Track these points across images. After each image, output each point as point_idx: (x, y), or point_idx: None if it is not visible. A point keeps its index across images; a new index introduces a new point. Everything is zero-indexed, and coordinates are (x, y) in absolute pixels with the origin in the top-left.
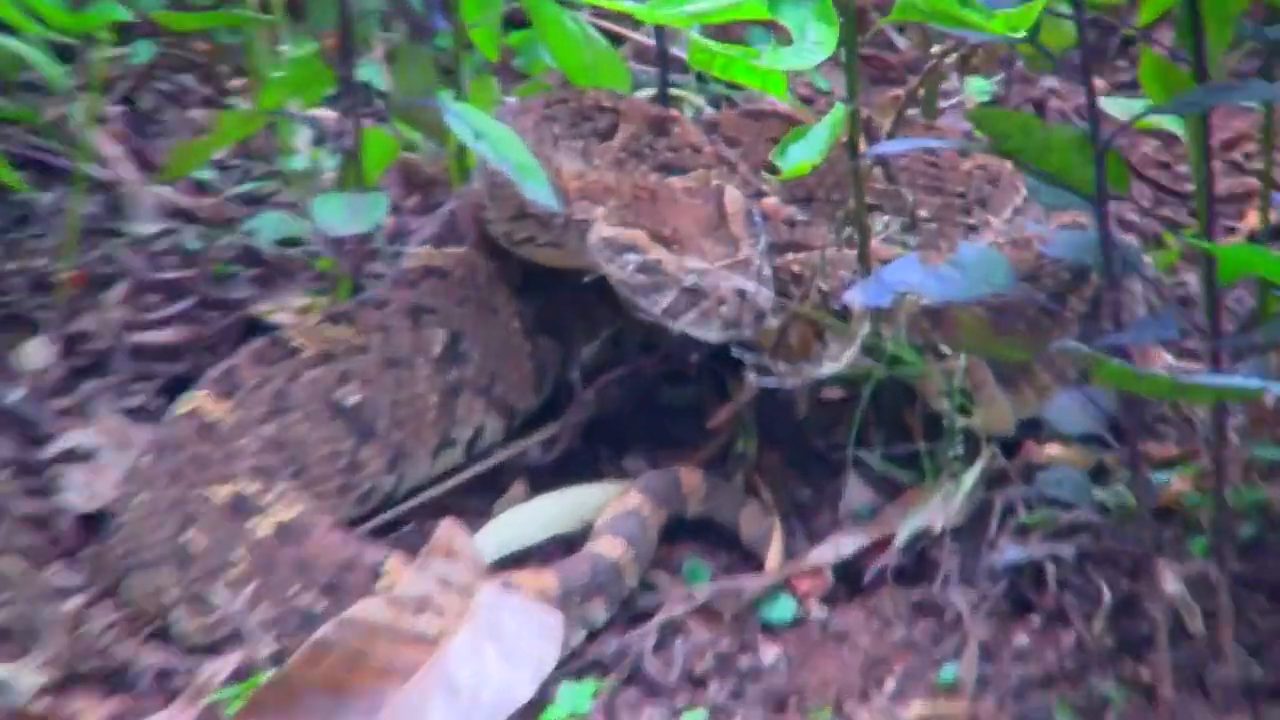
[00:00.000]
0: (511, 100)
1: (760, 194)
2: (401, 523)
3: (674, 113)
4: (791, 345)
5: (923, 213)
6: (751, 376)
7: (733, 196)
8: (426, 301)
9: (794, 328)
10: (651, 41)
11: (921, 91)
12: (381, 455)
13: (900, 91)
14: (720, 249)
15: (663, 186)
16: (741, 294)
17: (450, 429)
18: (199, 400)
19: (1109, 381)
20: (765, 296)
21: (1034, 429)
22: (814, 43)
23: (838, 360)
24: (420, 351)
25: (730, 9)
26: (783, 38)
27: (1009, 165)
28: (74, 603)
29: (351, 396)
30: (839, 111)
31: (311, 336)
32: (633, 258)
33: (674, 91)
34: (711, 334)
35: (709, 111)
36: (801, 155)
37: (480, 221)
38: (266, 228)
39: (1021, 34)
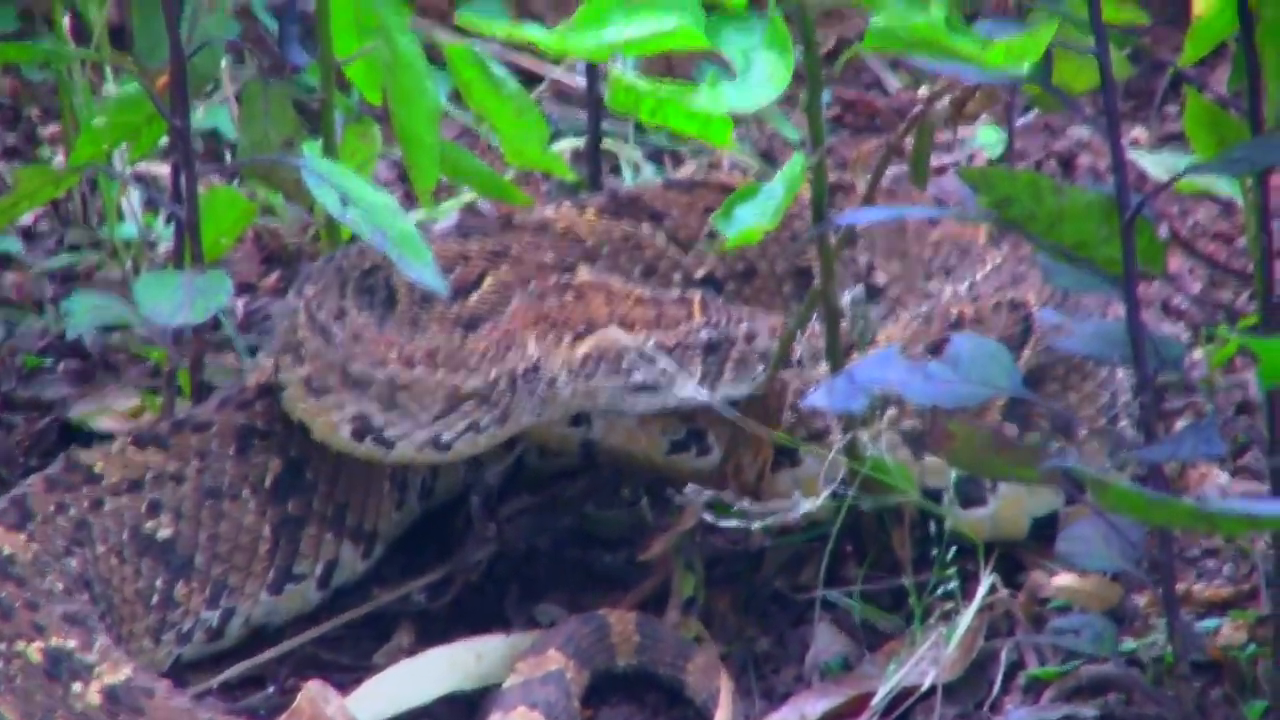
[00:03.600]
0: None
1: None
2: (255, 680)
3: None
4: (744, 468)
5: (880, 278)
6: (706, 515)
7: (589, 276)
8: (259, 424)
9: (746, 447)
10: (576, 79)
11: (909, 143)
12: (200, 591)
13: (881, 142)
14: (678, 309)
15: (532, 302)
16: (751, 320)
17: (292, 562)
18: None
19: (1117, 508)
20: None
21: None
22: (763, 78)
23: (815, 496)
24: (247, 481)
25: (660, 38)
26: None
27: (981, 236)
28: None
29: (163, 530)
30: (797, 164)
31: (114, 461)
32: (634, 357)
33: (606, 144)
34: (755, 381)
35: (647, 170)
36: (751, 219)
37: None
38: (82, 312)
39: (1025, 70)
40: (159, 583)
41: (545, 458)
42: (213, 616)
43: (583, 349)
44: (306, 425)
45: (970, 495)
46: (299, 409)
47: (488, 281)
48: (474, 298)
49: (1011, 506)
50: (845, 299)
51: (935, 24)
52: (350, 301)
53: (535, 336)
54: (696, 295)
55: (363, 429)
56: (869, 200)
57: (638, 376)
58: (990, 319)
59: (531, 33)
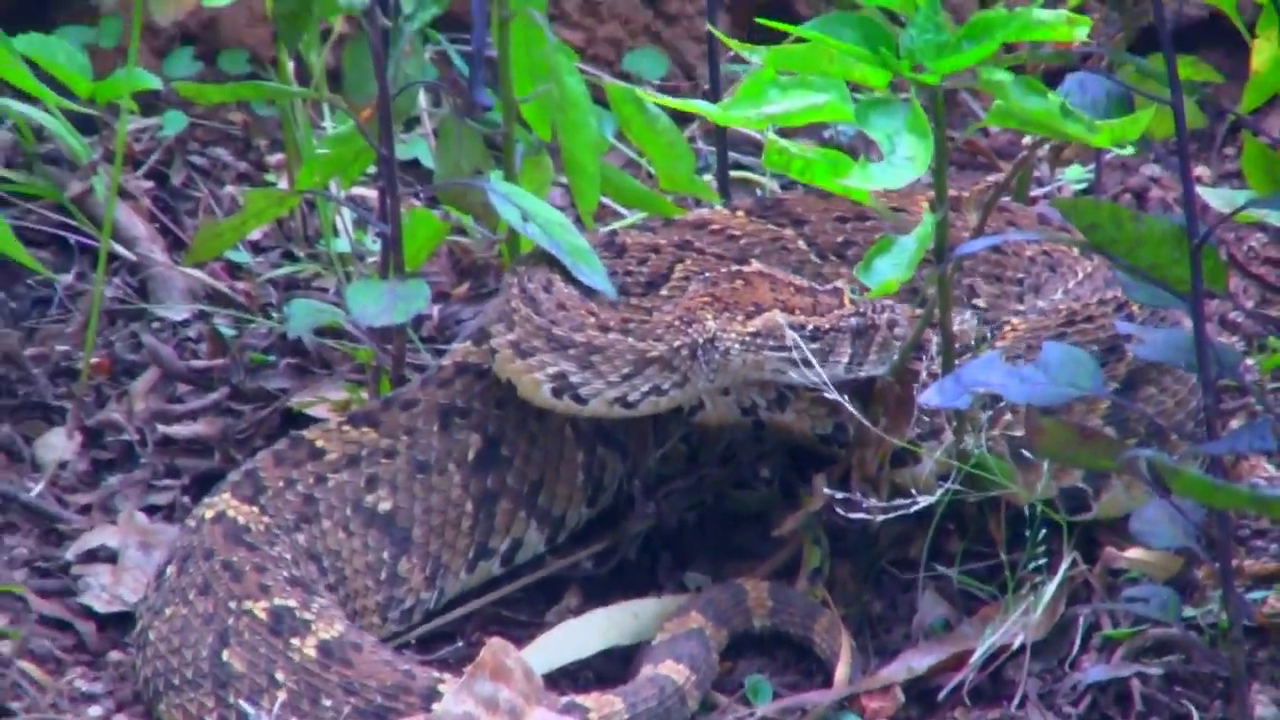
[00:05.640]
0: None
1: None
2: (446, 636)
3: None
4: (867, 462)
5: (979, 301)
6: (837, 510)
7: (758, 268)
8: (459, 402)
9: (869, 444)
10: None
11: (1013, 183)
12: (421, 568)
13: (989, 180)
14: (831, 298)
15: (708, 286)
16: (891, 310)
17: (487, 538)
18: (224, 503)
19: (1186, 492)
20: (901, 315)
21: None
22: (905, 158)
23: (930, 493)
24: (451, 456)
25: (811, 111)
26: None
27: (1074, 250)
28: (95, 711)
29: (383, 503)
30: (928, 223)
31: (333, 438)
32: (794, 335)
33: (741, 174)
34: (893, 363)
35: (777, 191)
36: (889, 271)
37: (566, 411)
38: (301, 314)
39: (1129, 148)
40: (385, 556)
41: (708, 442)
42: (430, 598)
43: (752, 326)
44: (513, 383)
45: (1075, 502)
46: (507, 369)
47: (677, 271)
48: (664, 289)
49: (1111, 512)
50: (958, 322)
51: (1051, 108)
52: (558, 276)
53: (712, 314)
54: (846, 287)
55: (561, 387)
56: (979, 234)
57: (796, 353)
58: (1098, 315)
59: (700, 106)
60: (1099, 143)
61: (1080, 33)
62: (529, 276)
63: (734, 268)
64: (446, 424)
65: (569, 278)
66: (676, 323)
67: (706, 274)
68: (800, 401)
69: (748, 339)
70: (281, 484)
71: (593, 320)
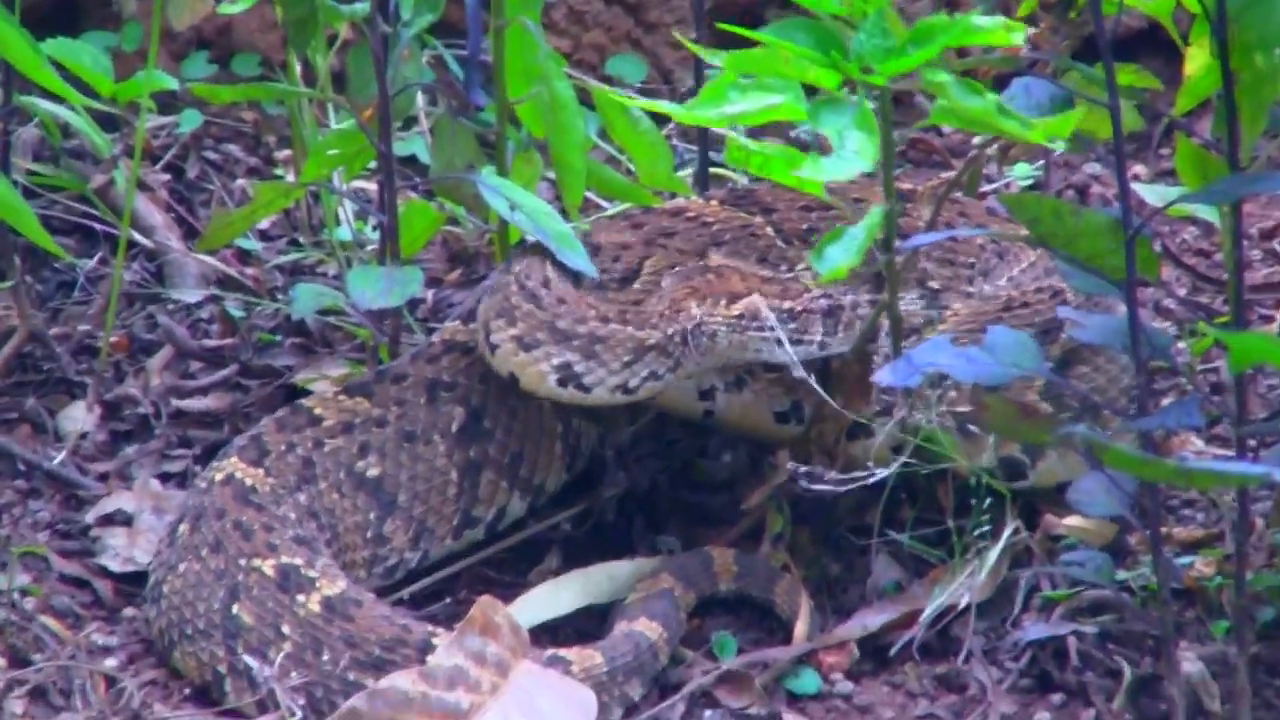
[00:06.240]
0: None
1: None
2: (435, 594)
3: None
4: (825, 435)
5: (934, 284)
6: (801, 482)
7: (720, 259)
8: (445, 377)
9: (827, 419)
10: None
11: (964, 179)
12: (405, 530)
13: (942, 177)
14: (796, 285)
15: (685, 280)
16: (855, 297)
17: (472, 507)
18: (233, 465)
19: (1117, 466)
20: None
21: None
22: (853, 152)
23: (887, 464)
24: (436, 427)
25: (768, 111)
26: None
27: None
28: (111, 662)
29: (372, 469)
30: (876, 214)
31: (330, 406)
32: (772, 316)
33: (717, 170)
34: (855, 340)
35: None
36: (839, 258)
37: (569, 404)
38: (305, 298)
39: (1060, 144)
40: (372, 517)
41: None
42: (414, 558)
43: (735, 310)
44: (516, 376)
45: (1014, 471)
46: (511, 363)
47: (646, 266)
48: (637, 284)
49: (1046, 480)
50: (905, 305)
51: (988, 107)
52: (553, 273)
53: (695, 303)
54: (808, 274)
55: (565, 377)
56: (932, 226)
57: (777, 332)
58: (1035, 302)
59: (666, 106)
60: (1034, 138)
61: (1017, 38)
62: (526, 274)
63: (701, 263)
64: (433, 397)
65: (562, 274)
66: (666, 311)
67: (677, 268)
68: (757, 382)
69: (733, 322)
70: (283, 448)
71: (593, 313)
